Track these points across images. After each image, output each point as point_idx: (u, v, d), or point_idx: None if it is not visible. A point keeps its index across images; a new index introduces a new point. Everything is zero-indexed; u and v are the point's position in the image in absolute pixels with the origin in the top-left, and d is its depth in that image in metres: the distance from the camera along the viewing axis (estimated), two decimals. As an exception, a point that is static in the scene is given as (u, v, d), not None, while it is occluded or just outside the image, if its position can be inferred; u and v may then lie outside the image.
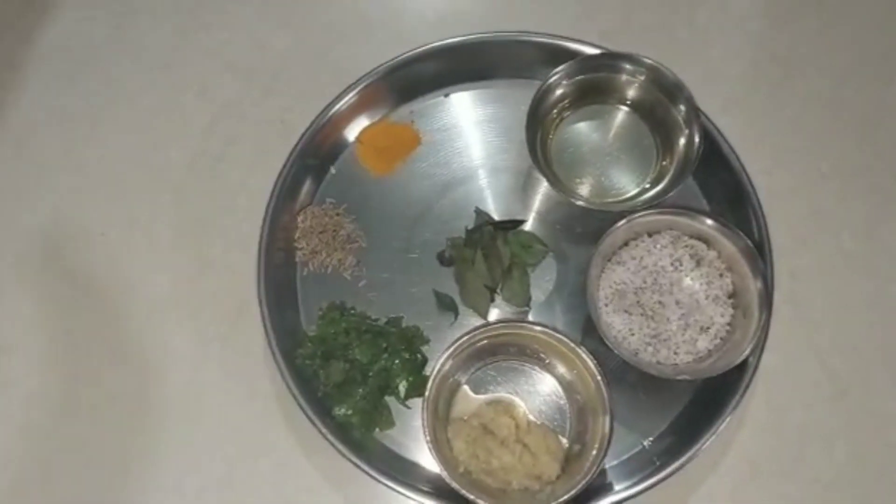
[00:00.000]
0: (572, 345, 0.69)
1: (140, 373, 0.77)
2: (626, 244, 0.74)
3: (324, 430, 0.70)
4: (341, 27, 0.89)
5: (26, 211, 0.83)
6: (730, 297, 0.72)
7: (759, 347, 0.70)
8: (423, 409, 0.68)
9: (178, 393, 0.76)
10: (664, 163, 0.77)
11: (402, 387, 0.74)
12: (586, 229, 0.78)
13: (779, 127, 0.84)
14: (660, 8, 0.89)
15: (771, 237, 0.75)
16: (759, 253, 0.71)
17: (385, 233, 0.79)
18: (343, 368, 0.72)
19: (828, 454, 0.74)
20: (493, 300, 0.76)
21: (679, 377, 0.69)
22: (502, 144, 0.82)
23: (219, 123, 0.86)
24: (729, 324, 0.71)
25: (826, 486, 0.73)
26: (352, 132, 0.82)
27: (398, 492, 0.68)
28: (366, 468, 0.69)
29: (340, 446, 0.69)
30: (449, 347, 0.70)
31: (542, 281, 0.77)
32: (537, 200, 0.80)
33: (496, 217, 0.79)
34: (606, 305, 0.72)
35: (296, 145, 0.78)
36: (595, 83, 0.78)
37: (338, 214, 0.79)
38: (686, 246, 0.73)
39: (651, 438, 0.73)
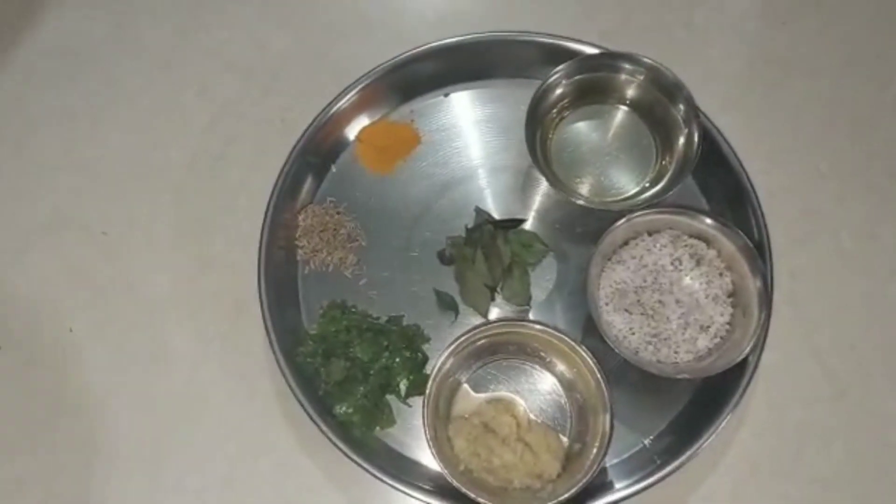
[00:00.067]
0: (572, 343, 0.70)
1: (140, 371, 0.77)
2: (626, 243, 0.74)
3: (324, 429, 0.70)
4: (341, 27, 0.89)
5: (26, 210, 0.83)
6: (729, 296, 0.72)
7: (759, 346, 0.71)
8: (423, 407, 0.68)
9: (179, 392, 0.76)
10: (664, 162, 0.78)
11: (403, 385, 0.74)
12: (586, 228, 0.78)
13: (777, 127, 0.85)
14: (658, 8, 0.90)
15: (770, 237, 0.75)
16: (759, 252, 0.71)
17: (385, 231, 0.79)
18: (344, 367, 0.72)
19: (827, 453, 0.74)
20: (493, 299, 0.76)
21: (679, 376, 0.69)
22: (502, 144, 0.82)
23: (219, 123, 0.86)
24: (729, 323, 0.71)
25: (825, 485, 0.73)
26: (352, 131, 0.82)
27: (399, 490, 0.69)
28: (366, 467, 0.69)
29: (341, 445, 0.69)
30: (449, 346, 0.70)
31: (543, 280, 0.78)
32: (537, 200, 0.80)
33: (496, 216, 0.79)
34: (607, 304, 0.73)
35: (296, 144, 0.78)
36: (594, 83, 0.78)
37: (338, 213, 0.79)
38: (686, 245, 0.73)
39: (651, 437, 0.73)
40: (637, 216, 0.72)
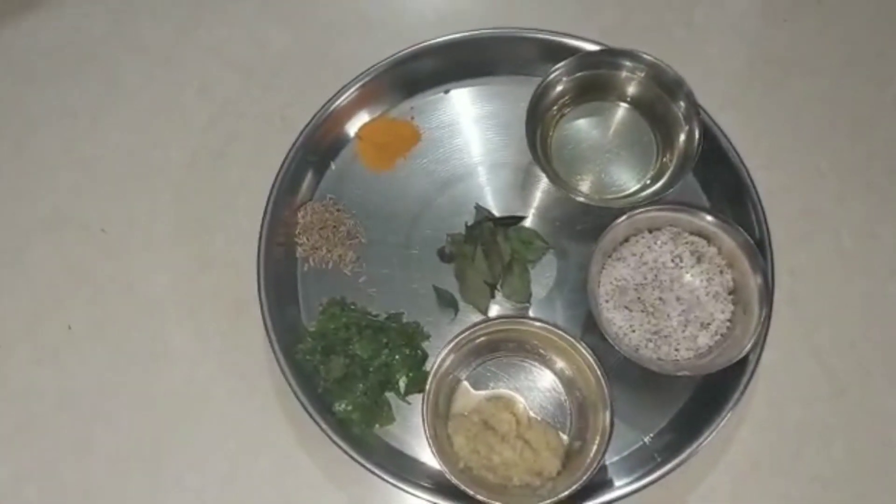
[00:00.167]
0: (572, 340, 0.69)
1: (140, 369, 0.77)
2: (626, 240, 0.74)
3: (324, 427, 0.70)
4: (341, 25, 0.89)
5: (26, 209, 0.83)
6: (730, 293, 0.72)
7: (760, 344, 0.70)
8: (423, 404, 0.68)
9: (179, 389, 0.76)
10: (664, 159, 0.77)
11: (403, 382, 0.74)
12: (586, 226, 0.78)
13: (777, 126, 0.85)
14: (659, 6, 0.90)
15: (770, 235, 0.75)
16: (760, 249, 0.71)
17: (385, 229, 0.79)
18: (343, 364, 0.72)
19: (827, 451, 0.74)
20: (493, 296, 0.76)
21: (680, 373, 0.69)
22: (502, 141, 0.82)
23: (219, 120, 0.86)
24: (729, 320, 0.71)
25: (825, 483, 0.73)
26: (352, 128, 0.82)
27: (399, 487, 0.68)
28: (366, 464, 0.69)
29: (341, 442, 0.69)
30: (449, 343, 0.70)
31: (543, 277, 0.77)
32: (537, 197, 0.80)
33: (496, 213, 0.79)
34: (607, 302, 0.72)
35: (296, 141, 0.78)
36: (595, 80, 0.78)
37: (338, 210, 0.79)
38: (686, 242, 0.73)
39: (651, 435, 0.73)
40: (638, 213, 0.72)
